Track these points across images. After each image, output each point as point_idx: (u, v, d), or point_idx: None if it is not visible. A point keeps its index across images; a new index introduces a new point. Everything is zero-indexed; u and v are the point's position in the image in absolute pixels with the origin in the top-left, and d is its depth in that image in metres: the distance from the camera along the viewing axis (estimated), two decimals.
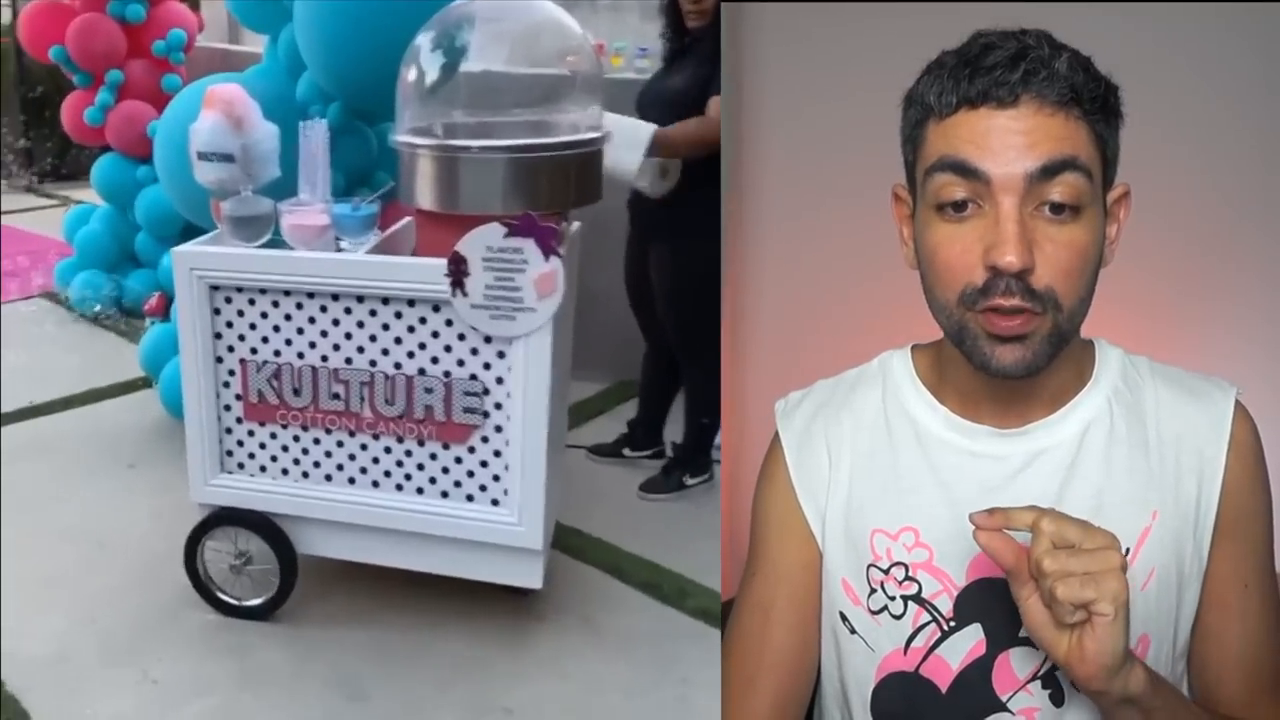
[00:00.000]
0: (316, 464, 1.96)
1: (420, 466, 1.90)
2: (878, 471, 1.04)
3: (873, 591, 1.01)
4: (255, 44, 4.05)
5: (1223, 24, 1.50)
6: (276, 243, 1.94)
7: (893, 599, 1.00)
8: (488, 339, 1.78)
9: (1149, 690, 0.83)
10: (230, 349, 1.93)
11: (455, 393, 1.83)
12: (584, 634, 2.10)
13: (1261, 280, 1.64)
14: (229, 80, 2.50)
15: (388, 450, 1.91)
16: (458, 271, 1.72)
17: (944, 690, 0.99)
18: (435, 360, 1.82)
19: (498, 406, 1.82)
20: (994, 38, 0.90)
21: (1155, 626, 0.96)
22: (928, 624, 0.99)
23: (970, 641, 0.98)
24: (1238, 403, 0.99)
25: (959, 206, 0.90)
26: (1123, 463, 0.96)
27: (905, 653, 1.00)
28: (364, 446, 1.92)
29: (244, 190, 1.94)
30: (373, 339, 1.85)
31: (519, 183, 1.74)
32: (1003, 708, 0.97)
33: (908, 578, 1.00)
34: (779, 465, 1.10)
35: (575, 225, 1.91)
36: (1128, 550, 0.93)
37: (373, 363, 1.86)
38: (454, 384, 1.82)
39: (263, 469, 2.00)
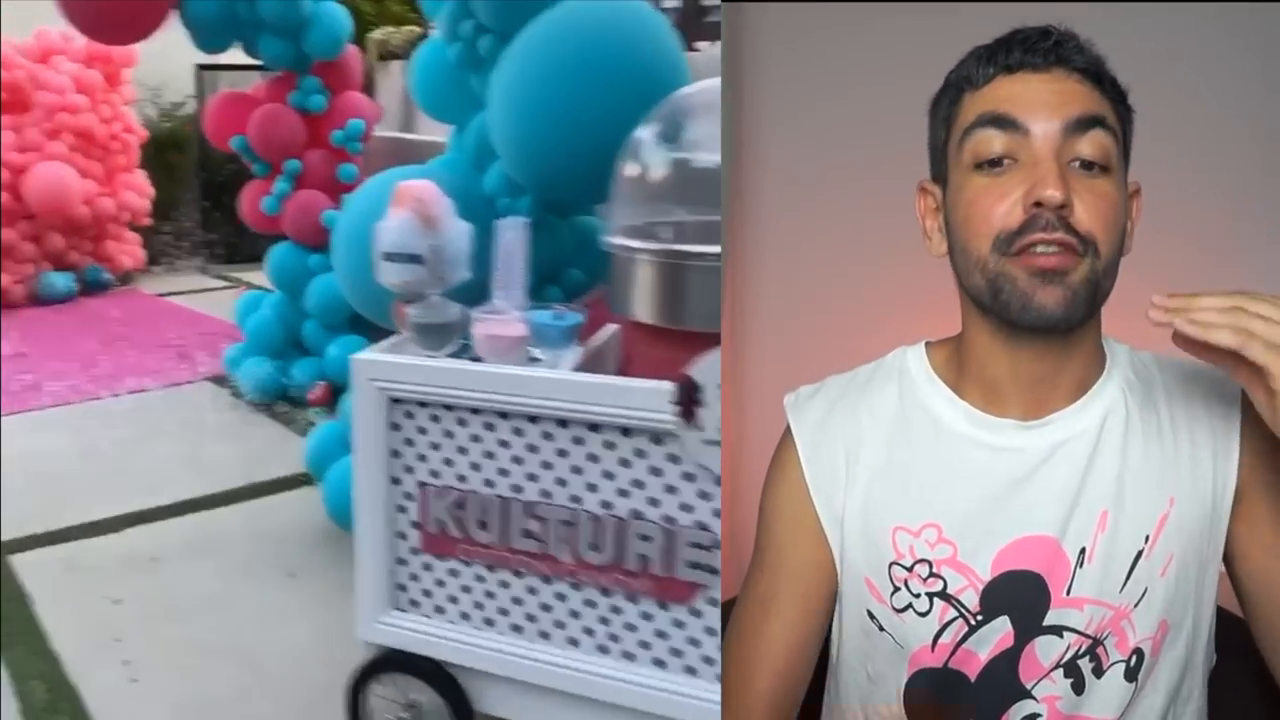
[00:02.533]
0: (503, 611, 1.70)
1: (630, 627, 1.61)
2: (897, 469, 1.05)
3: (896, 590, 1.03)
4: (431, 131, 3.99)
5: (1222, 24, 1.50)
6: (465, 351, 1.73)
7: (917, 596, 1.02)
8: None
9: None
10: (409, 469, 1.72)
11: (679, 543, 1.53)
12: None
13: (1262, 281, 1.62)
14: (412, 172, 2.37)
15: (590, 604, 1.63)
16: (689, 400, 1.44)
17: (972, 679, 1.02)
18: (654, 502, 1.54)
19: None
20: (1022, 28, 1.00)
21: (1174, 612, 0.99)
22: (954, 620, 1.01)
23: (998, 633, 1.00)
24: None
25: (995, 163, 0.97)
26: (1138, 450, 1.00)
27: (933, 649, 1.02)
28: (561, 597, 1.65)
29: (431, 294, 1.75)
30: (577, 471, 1.59)
31: None
32: (1027, 695, 1.00)
33: (932, 574, 1.01)
34: (791, 462, 1.11)
35: None
36: (1147, 538, 0.98)
37: (576, 499, 1.59)
38: (678, 532, 1.53)
39: (439, 610, 1.75)
